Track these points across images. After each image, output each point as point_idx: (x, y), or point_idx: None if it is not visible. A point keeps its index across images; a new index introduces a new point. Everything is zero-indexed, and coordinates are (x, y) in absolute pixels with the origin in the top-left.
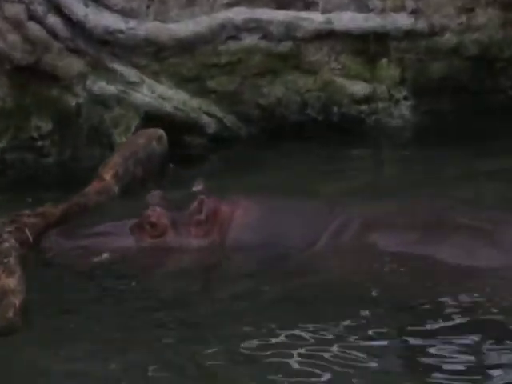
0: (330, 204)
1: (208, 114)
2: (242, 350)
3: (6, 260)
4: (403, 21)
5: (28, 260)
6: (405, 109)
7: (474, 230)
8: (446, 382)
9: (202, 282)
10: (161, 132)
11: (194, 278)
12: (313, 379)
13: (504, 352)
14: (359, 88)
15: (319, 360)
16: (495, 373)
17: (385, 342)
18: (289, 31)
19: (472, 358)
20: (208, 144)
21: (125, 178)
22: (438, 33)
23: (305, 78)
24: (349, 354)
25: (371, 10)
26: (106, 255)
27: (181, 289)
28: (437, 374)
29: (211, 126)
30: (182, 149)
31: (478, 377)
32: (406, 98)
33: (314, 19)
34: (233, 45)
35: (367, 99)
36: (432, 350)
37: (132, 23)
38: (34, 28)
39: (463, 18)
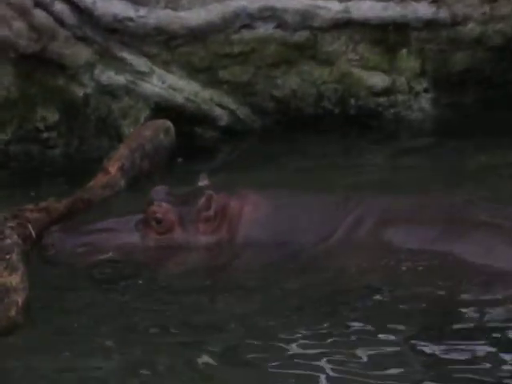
0: (345, 198)
1: (220, 105)
2: (244, 353)
3: (8, 256)
4: (424, 10)
5: (30, 257)
6: (425, 101)
7: (494, 227)
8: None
9: (210, 281)
10: (168, 123)
11: (202, 276)
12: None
13: None
14: (378, 80)
15: (324, 363)
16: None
17: (400, 342)
18: (305, 20)
19: (489, 363)
20: (220, 137)
21: (131, 171)
22: (461, 23)
23: (321, 69)
24: (360, 355)
25: None
26: (110, 252)
27: (187, 288)
28: (454, 375)
29: (223, 118)
30: (194, 141)
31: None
32: (426, 91)
33: (331, 8)
34: (246, 34)
35: (386, 91)
36: (451, 353)
37: (142, 11)
38: (40, 15)
39: (486, 8)
